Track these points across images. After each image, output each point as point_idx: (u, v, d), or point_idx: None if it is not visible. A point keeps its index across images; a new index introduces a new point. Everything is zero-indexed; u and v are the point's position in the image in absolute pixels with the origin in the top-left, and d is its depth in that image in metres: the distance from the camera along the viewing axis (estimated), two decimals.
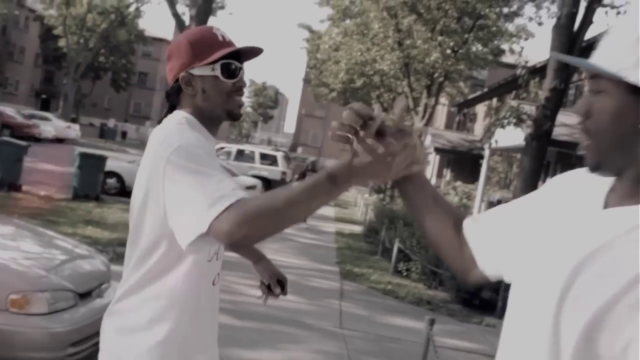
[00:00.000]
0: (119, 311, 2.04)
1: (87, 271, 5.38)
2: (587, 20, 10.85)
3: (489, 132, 15.41)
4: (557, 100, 11.13)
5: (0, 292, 4.44)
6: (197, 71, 2.02)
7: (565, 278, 1.26)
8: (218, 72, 2.01)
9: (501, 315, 9.59)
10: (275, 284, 2.59)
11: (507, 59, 30.16)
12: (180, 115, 2.04)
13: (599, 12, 11.11)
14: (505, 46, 25.69)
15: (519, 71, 12.13)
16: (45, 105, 67.32)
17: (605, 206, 1.33)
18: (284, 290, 2.61)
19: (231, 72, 2.03)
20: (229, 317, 6.87)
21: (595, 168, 1.32)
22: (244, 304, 7.67)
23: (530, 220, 1.47)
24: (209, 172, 1.74)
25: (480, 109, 34.92)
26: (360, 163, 1.48)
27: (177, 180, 1.76)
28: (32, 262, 4.98)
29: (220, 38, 2.03)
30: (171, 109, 2.10)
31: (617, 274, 1.18)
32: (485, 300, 9.83)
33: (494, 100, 32.21)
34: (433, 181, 32.30)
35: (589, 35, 11.28)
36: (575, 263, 1.25)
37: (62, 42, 54.31)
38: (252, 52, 2.10)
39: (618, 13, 11.19)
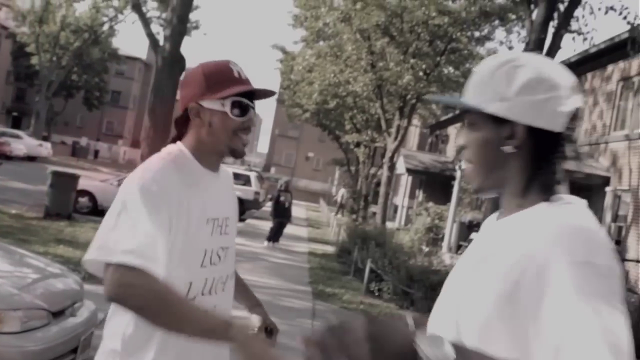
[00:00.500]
0: (104, 336, 2.03)
1: (60, 290, 5.39)
2: (554, 46, 11.15)
3: (459, 154, 15.63)
4: None
5: None
6: (207, 104, 2.02)
7: (457, 302, 1.41)
8: (228, 109, 2.01)
9: None
10: (263, 332, 2.51)
11: None
12: (173, 148, 2.07)
13: (567, 38, 11.41)
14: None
15: None
16: (16, 123, 66.65)
17: (497, 219, 1.50)
18: (272, 340, 2.50)
19: (241, 110, 2.03)
20: None
21: (478, 191, 1.49)
22: None
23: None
24: (133, 221, 1.79)
25: (453, 130, 35.35)
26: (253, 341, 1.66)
27: (113, 208, 1.87)
28: (3, 281, 4.99)
29: (235, 74, 2.03)
30: (177, 137, 2.11)
31: (490, 287, 1.30)
32: None
33: (466, 122, 32.62)
34: (405, 202, 32.54)
35: (556, 59, 11.57)
36: (464, 278, 1.41)
37: (34, 60, 53.91)
38: (264, 93, 2.12)
39: (585, 39, 11.51)
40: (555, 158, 1.42)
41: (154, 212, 1.81)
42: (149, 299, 1.68)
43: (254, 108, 2.06)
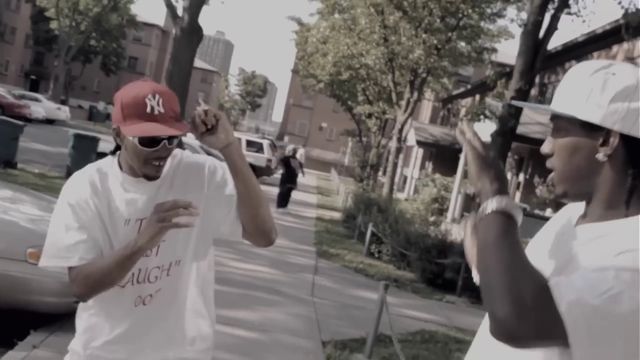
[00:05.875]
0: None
1: None
2: (552, 28, 11.72)
3: (453, 127, 16.27)
4: (521, 100, 12.00)
5: (21, 246, 5.28)
6: (123, 130, 2.08)
7: None
8: (136, 141, 2.07)
9: (461, 294, 10.50)
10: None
11: (498, 57, 31.08)
12: (104, 160, 2.28)
13: (566, 19, 11.94)
14: (487, 45, 26.58)
15: (487, 72, 13.02)
16: (34, 86, 67.50)
17: (576, 224, 1.51)
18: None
19: (150, 143, 2.07)
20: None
21: (562, 196, 1.51)
22: (226, 273, 8.55)
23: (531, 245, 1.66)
24: (57, 226, 2.17)
25: (464, 104, 35.83)
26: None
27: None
28: (39, 221, 5.81)
29: (148, 109, 2.03)
30: (117, 147, 2.22)
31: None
32: (447, 280, 10.70)
33: (477, 96, 33.12)
34: (415, 173, 33.20)
35: (554, 41, 12.13)
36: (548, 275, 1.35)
37: (53, 24, 54.63)
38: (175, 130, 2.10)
39: (583, 21, 12.06)
40: None
41: (71, 217, 2.15)
42: (90, 279, 2.09)
43: (165, 140, 2.09)
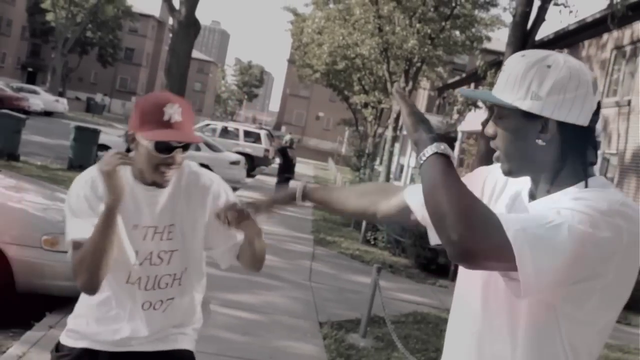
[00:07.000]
0: None
1: None
2: (539, 19, 12.02)
3: (446, 115, 16.67)
4: None
5: (36, 233, 5.64)
6: (138, 136, 2.21)
7: None
8: (151, 146, 2.18)
9: (453, 278, 10.87)
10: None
11: (493, 45, 31.34)
12: None
13: (553, 10, 12.24)
14: (481, 34, 26.88)
15: (478, 62, 13.36)
16: (31, 79, 67.57)
17: (529, 201, 1.66)
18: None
19: (164, 149, 2.19)
20: (215, 269, 8.06)
21: (508, 173, 1.67)
22: None
23: None
24: (70, 216, 2.26)
25: (458, 94, 36.08)
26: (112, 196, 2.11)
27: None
28: (53, 210, 6.16)
29: (166, 117, 2.17)
30: (127, 150, 2.31)
31: None
32: (440, 265, 11.07)
33: (472, 85, 33.43)
34: (412, 162, 33.51)
35: (542, 31, 12.44)
36: None
37: (49, 16, 54.81)
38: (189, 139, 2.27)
39: (570, 12, 12.40)
40: (585, 149, 1.58)
41: (80, 214, 2.26)
42: (85, 260, 2.16)
43: (179, 147, 2.22)
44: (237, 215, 2.23)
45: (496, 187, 1.79)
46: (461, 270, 1.73)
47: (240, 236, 2.41)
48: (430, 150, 1.50)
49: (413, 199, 1.95)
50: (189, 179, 2.40)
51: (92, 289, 2.21)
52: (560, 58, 1.57)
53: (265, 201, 2.28)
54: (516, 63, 1.59)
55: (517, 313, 1.56)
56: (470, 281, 1.69)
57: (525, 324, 1.55)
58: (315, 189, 2.28)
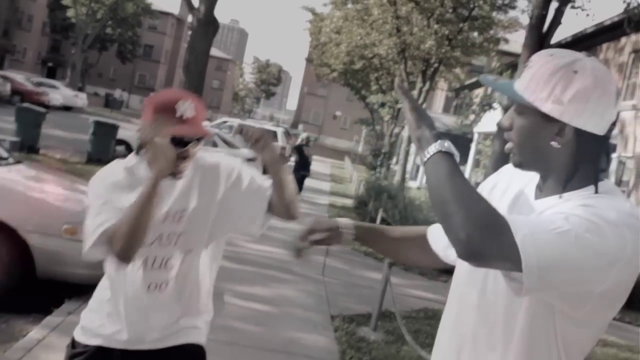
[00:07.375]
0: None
1: None
2: (555, 22, 12.05)
3: (462, 116, 16.72)
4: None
5: (57, 223, 5.80)
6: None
7: None
8: (167, 142, 2.25)
9: None
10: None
11: (510, 47, 31.29)
12: (128, 159, 2.45)
13: (570, 13, 12.26)
14: (499, 35, 26.84)
15: (494, 64, 13.42)
16: (51, 74, 68.19)
17: (536, 198, 1.66)
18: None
19: (179, 143, 2.30)
20: (230, 262, 8.22)
21: (518, 166, 1.67)
22: (243, 253, 9.12)
23: None
24: (94, 208, 2.28)
25: (477, 94, 36.08)
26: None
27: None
28: (74, 200, 6.32)
29: (178, 114, 2.29)
30: (139, 148, 2.41)
31: None
32: None
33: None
34: None
35: (561, 34, 12.48)
36: None
37: (70, 12, 55.31)
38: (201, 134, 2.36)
39: (587, 15, 12.40)
40: (598, 156, 1.57)
41: (102, 202, 2.30)
42: (123, 229, 2.18)
43: (192, 141, 2.33)
44: (260, 136, 2.33)
45: (501, 186, 1.80)
46: (459, 261, 1.69)
47: (267, 182, 2.50)
48: (434, 148, 1.52)
49: (437, 244, 2.01)
50: (202, 167, 2.48)
51: (128, 257, 2.22)
52: (588, 64, 1.54)
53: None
54: (544, 62, 1.57)
55: (514, 308, 1.58)
56: (468, 273, 1.71)
57: (521, 319, 1.57)
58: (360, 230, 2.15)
